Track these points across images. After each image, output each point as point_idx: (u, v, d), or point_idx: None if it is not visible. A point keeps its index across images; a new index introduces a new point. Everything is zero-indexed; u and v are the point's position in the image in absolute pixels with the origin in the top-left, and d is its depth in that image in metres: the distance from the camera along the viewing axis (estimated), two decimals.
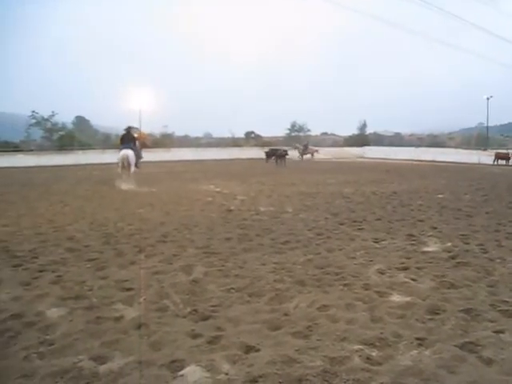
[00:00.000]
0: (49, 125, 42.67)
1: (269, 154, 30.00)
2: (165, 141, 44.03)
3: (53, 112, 42.78)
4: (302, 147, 37.20)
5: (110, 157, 20.92)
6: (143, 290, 4.42)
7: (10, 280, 4.81)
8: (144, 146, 20.35)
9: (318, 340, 3.30)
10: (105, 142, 45.73)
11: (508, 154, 30.46)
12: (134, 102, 38.40)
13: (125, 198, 11.78)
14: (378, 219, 8.37)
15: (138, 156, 16.06)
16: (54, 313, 3.88)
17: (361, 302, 4.08)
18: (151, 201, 11.17)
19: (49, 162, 30.36)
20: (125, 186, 14.25)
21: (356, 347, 3.17)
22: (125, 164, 14.92)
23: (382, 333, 3.39)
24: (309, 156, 36.28)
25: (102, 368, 2.93)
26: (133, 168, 15.19)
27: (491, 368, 2.88)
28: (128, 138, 15.93)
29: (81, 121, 52.91)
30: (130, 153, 15.04)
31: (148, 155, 21.21)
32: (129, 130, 16.31)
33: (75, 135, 45.19)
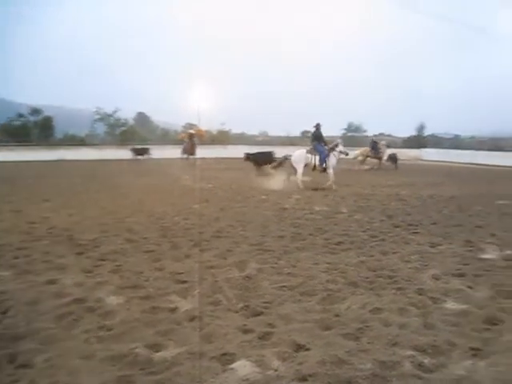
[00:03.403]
0: (112, 120, 44.32)
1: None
2: (222, 137, 44.55)
3: (116, 108, 44.45)
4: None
5: (169, 152, 21.43)
6: (197, 283, 4.53)
7: (73, 266, 5.09)
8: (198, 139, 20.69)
9: (368, 343, 3.27)
10: (164, 137, 47.03)
11: None
12: (193, 99, 39.11)
13: (181, 193, 12.07)
14: (434, 223, 8.10)
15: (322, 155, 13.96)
16: (112, 300, 4.07)
17: (414, 307, 3.99)
18: (207, 196, 11.38)
19: (111, 155, 31.54)
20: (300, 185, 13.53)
21: (408, 353, 3.11)
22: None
23: (434, 340, 3.30)
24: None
25: (157, 356, 3.04)
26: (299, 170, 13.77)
27: None
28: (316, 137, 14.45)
29: (142, 117, 54.47)
30: (295, 154, 13.92)
31: (206, 151, 21.70)
32: (318, 126, 14.59)
33: (136, 130, 46.66)
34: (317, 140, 14.32)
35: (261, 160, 17.83)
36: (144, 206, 9.72)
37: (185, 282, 4.60)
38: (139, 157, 29.41)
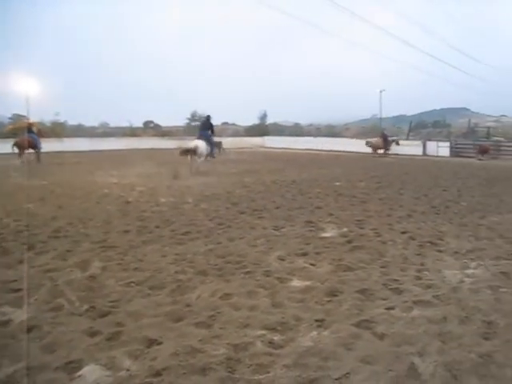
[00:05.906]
0: None
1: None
2: (56, 130, 41.13)
3: None
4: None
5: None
6: (34, 289, 4.12)
7: None
8: (41, 135, 19.10)
9: (220, 328, 3.32)
10: None
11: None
12: (21, 88, 35.40)
13: (11, 192, 10.84)
14: (278, 207, 8.57)
15: (212, 145, 16.17)
16: None
17: (262, 288, 4.16)
18: (42, 194, 10.40)
19: None
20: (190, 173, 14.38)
21: (258, 333, 3.23)
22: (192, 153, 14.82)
23: (283, 317, 3.49)
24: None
25: None
26: (202, 158, 15.16)
27: (384, 342, 3.10)
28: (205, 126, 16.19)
29: None
30: (200, 143, 14.97)
31: None
32: (208, 117, 16.61)
33: None
34: (210, 130, 16.10)
35: None
36: None
37: (19, 290, 4.13)
38: None
